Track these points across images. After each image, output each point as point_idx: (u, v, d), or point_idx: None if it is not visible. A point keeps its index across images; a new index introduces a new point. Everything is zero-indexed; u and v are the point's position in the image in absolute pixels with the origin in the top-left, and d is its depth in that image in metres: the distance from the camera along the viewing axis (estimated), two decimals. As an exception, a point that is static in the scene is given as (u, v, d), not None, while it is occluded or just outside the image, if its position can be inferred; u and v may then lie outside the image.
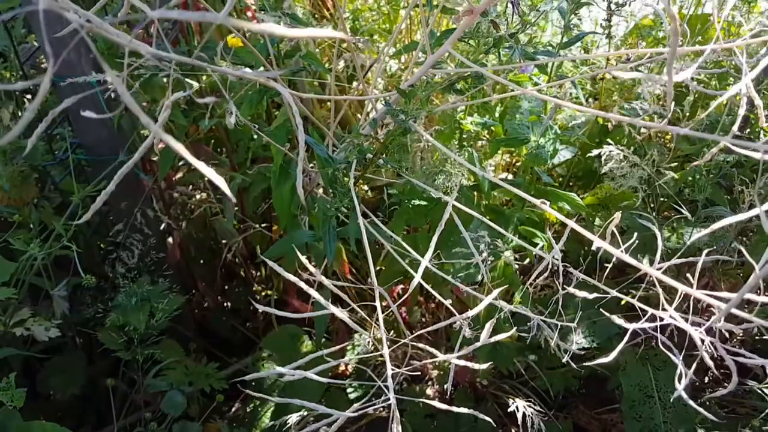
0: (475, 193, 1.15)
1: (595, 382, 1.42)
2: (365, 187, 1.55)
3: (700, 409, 0.52)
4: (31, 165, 1.10)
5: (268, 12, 0.86)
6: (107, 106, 1.04)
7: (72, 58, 0.98)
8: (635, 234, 0.66)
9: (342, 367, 1.46)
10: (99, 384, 1.18)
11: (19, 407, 0.84)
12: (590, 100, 1.52)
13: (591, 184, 1.42)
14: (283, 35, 0.29)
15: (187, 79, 1.11)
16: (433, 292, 0.78)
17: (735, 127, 0.43)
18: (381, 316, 0.54)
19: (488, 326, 0.56)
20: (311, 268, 0.61)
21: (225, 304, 1.54)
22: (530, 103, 1.09)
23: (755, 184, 1.21)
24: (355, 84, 1.42)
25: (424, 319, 1.52)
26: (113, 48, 0.97)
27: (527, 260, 1.37)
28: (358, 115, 1.49)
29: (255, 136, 1.24)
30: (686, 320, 0.50)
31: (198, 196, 1.34)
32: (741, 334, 1.43)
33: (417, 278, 0.61)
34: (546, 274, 0.72)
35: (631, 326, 0.53)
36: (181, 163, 1.33)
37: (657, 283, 0.47)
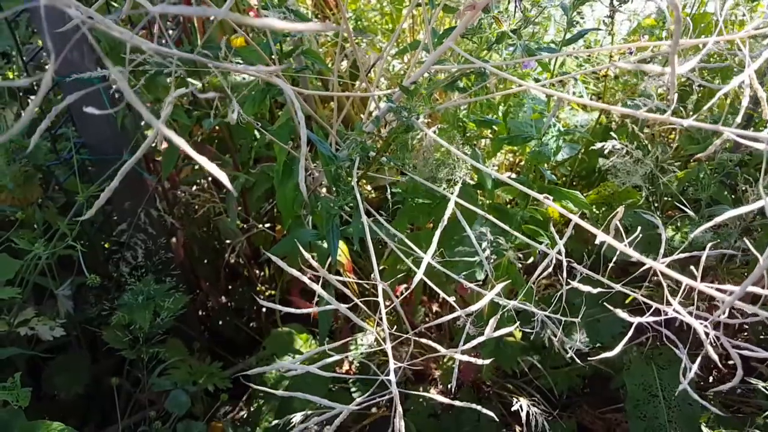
0: (478, 191, 1.15)
1: (599, 382, 1.41)
2: (368, 187, 1.56)
3: (707, 404, 0.52)
4: (35, 165, 1.11)
5: (271, 9, 0.86)
6: (111, 105, 1.05)
7: (75, 58, 0.98)
8: (644, 231, 0.66)
9: (345, 367, 1.46)
10: (103, 383, 1.18)
11: (24, 406, 0.84)
12: (593, 99, 1.52)
13: (594, 183, 1.42)
14: (283, 29, 0.29)
15: (190, 79, 1.12)
16: (437, 290, 0.78)
17: (739, 119, 0.43)
18: (384, 311, 0.54)
19: (492, 322, 0.56)
20: (315, 264, 0.61)
21: (229, 303, 1.54)
22: (533, 101, 1.09)
23: (759, 182, 1.21)
24: (357, 83, 1.42)
25: (427, 319, 1.52)
26: (117, 47, 0.97)
27: (530, 259, 1.36)
28: (361, 115, 1.49)
29: (258, 136, 1.24)
30: (691, 314, 0.50)
31: (201, 196, 1.34)
32: (746, 333, 1.42)
33: (419, 274, 0.61)
34: (549, 271, 0.72)
35: (636, 320, 0.53)
36: (184, 163, 1.33)
37: (661, 277, 0.47)
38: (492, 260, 1.01)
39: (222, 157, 1.31)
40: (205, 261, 1.48)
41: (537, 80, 0.86)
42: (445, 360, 1.43)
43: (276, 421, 1.10)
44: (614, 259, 0.87)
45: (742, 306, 0.45)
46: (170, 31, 1.23)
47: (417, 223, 1.19)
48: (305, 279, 0.64)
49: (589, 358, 1.03)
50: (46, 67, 1.28)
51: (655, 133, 1.44)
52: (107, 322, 1.13)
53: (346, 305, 0.65)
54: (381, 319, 0.54)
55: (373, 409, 1.36)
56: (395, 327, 1.33)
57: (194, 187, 1.39)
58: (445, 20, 1.47)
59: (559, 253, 0.58)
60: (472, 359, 0.54)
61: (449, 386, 1.46)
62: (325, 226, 0.95)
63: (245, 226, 1.40)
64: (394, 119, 0.91)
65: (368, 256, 1.30)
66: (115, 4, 1.10)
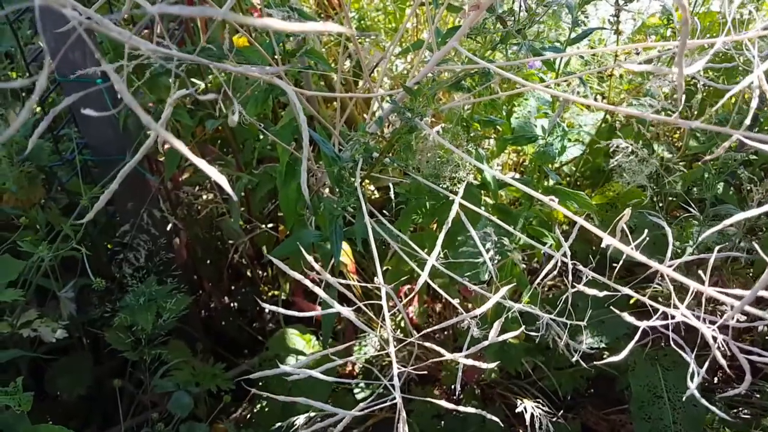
0: (482, 192, 1.14)
1: (604, 383, 1.41)
2: (371, 188, 1.55)
3: (714, 409, 0.51)
4: (38, 166, 1.10)
5: (274, 8, 0.86)
6: (113, 105, 1.04)
7: (77, 58, 0.98)
8: (645, 232, 0.65)
9: (349, 368, 1.45)
10: (106, 384, 1.18)
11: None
12: (598, 99, 1.51)
13: (599, 184, 1.41)
14: (285, 29, 0.29)
15: (193, 79, 1.11)
16: (441, 292, 0.78)
17: (747, 120, 0.42)
18: (387, 314, 0.54)
19: (497, 325, 0.55)
20: (318, 268, 0.60)
21: (231, 304, 1.54)
22: (537, 100, 1.08)
23: (764, 182, 1.20)
24: (360, 84, 1.42)
25: (430, 320, 1.51)
26: (119, 47, 0.97)
27: (535, 260, 1.36)
28: (364, 116, 1.48)
29: (261, 136, 1.24)
30: (698, 318, 0.49)
31: (204, 197, 1.34)
32: (752, 335, 1.41)
33: (423, 276, 0.61)
34: (554, 273, 0.71)
35: (642, 324, 0.52)
36: (187, 164, 1.33)
37: (668, 281, 0.47)
38: (496, 261, 1.01)
39: (225, 157, 1.30)
40: (208, 262, 1.48)
41: (542, 80, 0.86)
42: (449, 361, 1.42)
43: (279, 423, 1.09)
44: (615, 259, 0.86)
45: (749, 309, 0.44)
46: (174, 31, 1.23)
47: (420, 224, 1.19)
48: (308, 282, 0.64)
49: (594, 362, 1.02)
50: (51, 63, 1.28)
51: (659, 132, 1.43)
52: (110, 324, 1.12)
53: (349, 308, 0.64)
54: (384, 321, 0.53)
55: (377, 411, 1.35)
56: (399, 329, 1.33)
57: (197, 188, 1.39)
58: (449, 19, 1.47)
59: (564, 255, 0.57)
60: (477, 363, 0.54)
61: (453, 387, 1.45)
62: (328, 227, 0.94)
63: (248, 226, 1.40)
64: (398, 119, 0.91)
65: (371, 257, 1.30)
66: (118, 4, 1.09)
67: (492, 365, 0.56)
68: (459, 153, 0.78)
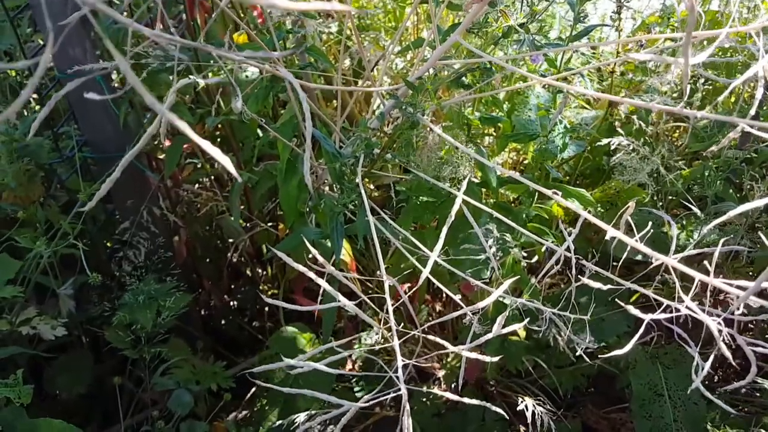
0: (483, 190, 1.14)
1: (604, 381, 1.41)
2: (371, 185, 1.55)
3: (719, 402, 0.51)
4: (37, 163, 1.10)
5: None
6: (112, 100, 1.04)
7: (77, 54, 0.97)
8: (647, 226, 0.65)
9: (349, 366, 1.45)
10: (106, 382, 1.18)
11: (26, 405, 0.84)
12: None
13: (599, 182, 1.41)
14: (285, 8, 0.29)
15: (192, 75, 1.11)
16: (443, 288, 0.77)
17: (753, 110, 0.42)
18: (390, 307, 0.54)
19: (499, 320, 0.55)
20: (321, 259, 0.60)
21: (231, 302, 1.54)
22: (538, 98, 1.08)
23: (765, 179, 1.20)
24: (361, 82, 1.42)
25: (431, 318, 1.51)
26: (120, 43, 0.96)
27: (535, 258, 1.36)
28: (364, 114, 1.48)
29: (261, 134, 1.23)
30: (703, 311, 0.49)
31: (204, 194, 1.33)
32: (751, 331, 1.41)
33: (425, 273, 0.60)
34: (555, 270, 0.71)
35: (647, 317, 0.52)
36: (187, 162, 1.33)
37: (673, 273, 0.47)
38: (498, 258, 1.01)
39: (224, 154, 1.30)
40: (208, 260, 1.48)
41: (543, 76, 0.85)
42: (449, 359, 1.42)
43: (280, 421, 1.09)
44: (619, 258, 0.86)
45: (755, 300, 0.44)
46: (173, 28, 1.23)
47: (421, 221, 1.19)
48: (311, 274, 0.64)
49: (596, 359, 1.02)
50: (49, 64, 1.28)
51: (660, 131, 1.43)
52: (109, 322, 1.12)
53: (351, 302, 0.64)
54: (388, 315, 0.53)
55: (377, 409, 1.35)
56: (400, 326, 1.33)
57: (197, 186, 1.39)
58: (449, 17, 1.47)
59: (567, 250, 0.57)
60: (479, 356, 0.53)
61: (453, 385, 1.45)
62: (329, 225, 0.94)
63: (248, 224, 1.40)
64: (399, 116, 0.91)
65: (371, 255, 1.29)
66: (116, 1, 1.09)
67: (495, 358, 0.55)
68: (459, 146, 0.78)
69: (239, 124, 1.26)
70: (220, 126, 1.29)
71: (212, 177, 1.39)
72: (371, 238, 0.83)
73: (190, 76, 1.09)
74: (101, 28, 0.93)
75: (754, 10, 1.48)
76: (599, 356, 1.17)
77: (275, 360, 1.29)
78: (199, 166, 1.35)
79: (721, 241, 0.48)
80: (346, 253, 1.26)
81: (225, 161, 0.28)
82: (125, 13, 1.07)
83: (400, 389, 0.49)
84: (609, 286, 0.58)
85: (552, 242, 1.09)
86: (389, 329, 0.50)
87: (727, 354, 0.46)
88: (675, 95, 1.29)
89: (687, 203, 1.23)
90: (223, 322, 1.50)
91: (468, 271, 1.08)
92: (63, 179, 1.14)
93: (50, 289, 1.12)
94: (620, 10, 1.02)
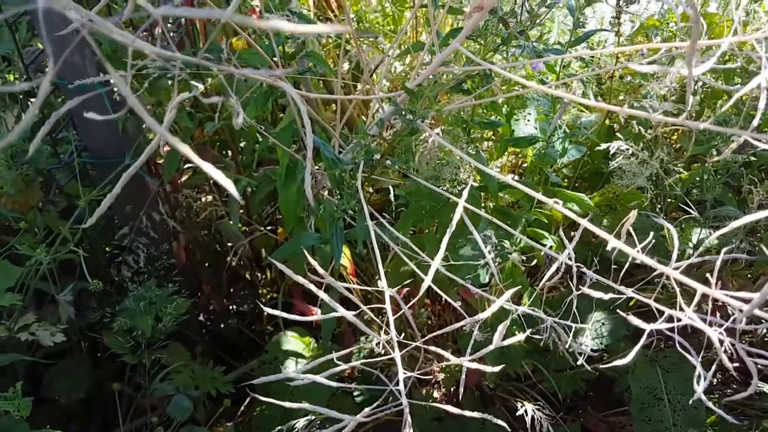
0: (482, 194, 1.14)
1: (604, 385, 1.41)
2: (370, 189, 1.55)
3: (720, 412, 0.51)
4: (36, 169, 1.10)
5: (274, 12, 0.85)
6: (113, 109, 1.04)
7: (77, 62, 0.97)
8: (650, 235, 0.65)
9: (348, 370, 1.45)
10: (105, 388, 1.18)
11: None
12: (597, 100, 1.51)
13: (598, 185, 1.41)
14: (289, 31, 0.28)
15: (192, 82, 1.11)
16: (442, 294, 0.77)
17: (755, 121, 0.42)
18: (392, 319, 0.54)
19: (500, 329, 0.55)
20: (320, 270, 0.60)
21: (230, 307, 1.53)
22: (537, 103, 1.08)
23: (764, 183, 1.20)
24: (359, 86, 1.42)
25: (430, 321, 1.51)
26: (118, 51, 0.96)
27: (534, 262, 1.36)
28: (363, 118, 1.48)
29: (260, 139, 1.23)
30: (704, 321, 0.49)
31: (203, 199, 1.33)
32: (751, 336, 1.41)
33: (427, 281, 0.60)
34: (557, 276, 0.71)
35: (649, 327, 0.52)
36: (186, 166, 1.32)
37: (675, 284, 0.47)
38: (497, 263, 1.01)
39: (224, 160, 1.30)
40: (207, 264, 1.47)
41: (543, 82, 0.85)
42: (449, 363, 1.42)
43: (279, 427, 1.09)
44: (617, 261, 0.86)
45: (758, 313, 0.44)
46: (171, 33, 1.22)
47: (420, 226, 1.19)
48: (309, 285, 0.64)
49: (595, 364, 1.02)
50: (47, 70, 1.27)
51: (658, 134, 1.44)
52: (109, 327, 1.12)
53: (351, 311, 0.64)
54: (388, 325, 0.53)
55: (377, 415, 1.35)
56: (399, 330, 1.32)
57: (196, 190, 1.39)
58: (448, 20, 1.47)
59: (568, 257, 0.57)
60: (481, 366, 0.53)
61: (452, 389, 1.45)
62: (328, 230, 0.94)
63: (247, 229, 1.39)
64: (398, 121, 0.91)
65: (371, 259, 1.29)
66: (116, 6, 1.09)
67: (496, 369, 0.55)
68: (460, 153, 0.78)
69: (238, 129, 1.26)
70: (219, 130, 1.29)
71: (212, 181, 1.38)
72: (371, 243, 0.83)
73: (191, 82, 1.09)
74: (101, 39, 0.93)
75: (753, 13, 1.49)
76: (599, 361, 1.17)
77: (274, 365, 1.29)
78: (198, 170, 1.35)
79: (723, 250, 0.48)
80: (345, 257, 1.26)
81: (228, 185, 0.28)
82: (123, 17, 1.07)
83: (400, 401, 0.49)
84: (611, 296, 0.58)
85: (551, 247, 1.09)
86: (389, 341, 0.50)
87: (729, 365, 0.46)
88: (674, 98, 1.29)
89: (686, 207, 1.23)
90: (222, 326, 1.50)
91: (467, 276, 1.08)
92: (62, 185, 1.14)
93: (49, 295, 1.11)
94: (619, 15, 1.02)
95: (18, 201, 1.10)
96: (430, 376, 1.45)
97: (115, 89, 0.95)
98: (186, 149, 0.30)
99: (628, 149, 0.99)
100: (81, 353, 1.22)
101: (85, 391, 1.15)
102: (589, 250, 1.32)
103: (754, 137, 0.37)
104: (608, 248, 0.47)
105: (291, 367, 1.26)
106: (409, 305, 0.61)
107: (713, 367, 0.49)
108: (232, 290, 1.54)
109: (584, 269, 0.59)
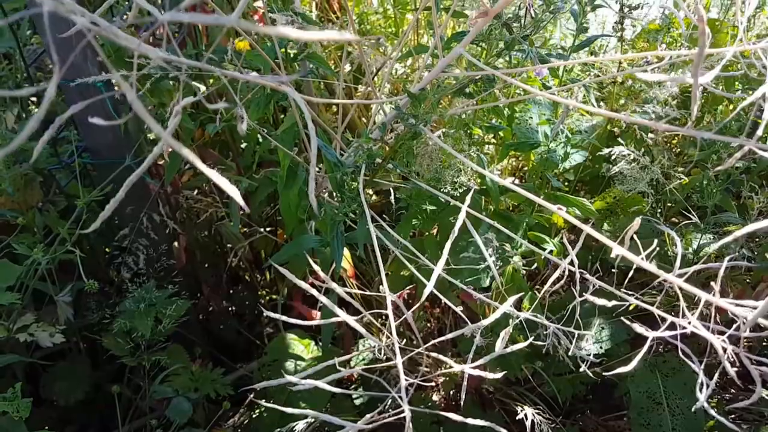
0: (483, 197, 1.14)
1: (603, 388, 1.40)
2: (370, 191, 1.55)
3: (719, 417, 0.51)
4: (36, 168, 1.09)
5: (277, 12, 0.85)
6: (114, 109, 1.04)
7: (79, 61, 0.97)
8: (652, 240, 0.65)
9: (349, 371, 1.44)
10: (103, 390, 1.17)
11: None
12: (601, 105, 1.51)
13: (598, 189, 1.41)
14: (293, 37, 0.28)
15: (194, 82, 1.11)
16: (442, 297, 0.77)
17: (760, 131, 0.42)
18: (393, 325, 0.53)
19: (502, 335, 0.55)
20: (321, 274, 0.60)
21: (230, 308, 1.53)
22: (539, 107, 1.08)
23: (764, 190, 1.20)
24: (361, 87, 1.41)
25: (429, 324, 1.51)
26: (121, 51, 0.96)
27: (534, 266, 1.35)
28: (364, 119, 1.48)
29: (261, 140, 1.23)
30: (706, 328, 0.49)
31: (204, 200, 1.33)
32: (751, 341, 1.41)
33: (429, 287, 0.60)
34: (560, 282, 0.71)
35: (652, 334, 0.52)
36: (187, 167, 1.32)
37: (678, 291, 0.46)
38: (498, 267, 1.00)
39: (225, 161, 1.30)
40: (206, 265, 1.47)
41: (546, 87, 0.85)
42: (449, 367, 1.41)
43: (278, 429, 1.08)
44: (620, 265, 0.86)
45: (762, 322, 0.44)
46: (174, 34, 1.22)
47: (421, 229, 1.19)
48: (310, 288, 0.64)
49: (595, 368, 1.02)
50: (48, 67, 1.27)
51: (659, 139, 1.44)
52: (108, 329, 1.11)
53: (350, 313, 0.64)
54: (389, 330, 0.53)
55: (376, 415, 1.34)
56: (402, 337, 1.32)
57: (196, 192, 1.38)
58: (450, 22, 1.46)
59: (571, 263, 0.57)
60: (482, 373, 0.53)
61: (452, 392, 1.45)
62: (329, 233, 0.94)
63: (248, 230, 1.39)
64: (400, 124, 0.90)
65: (371, 262, 1.29)
66: (119, 5, 1.09)
67: (497, 375, 0.55)
68: (461, 158, 0.77)
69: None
70: (220, 131, 1.28)
71: (212, 182, 1.38)
72: (371, 246, 0.83)
73: (193, 83, 1.09)
74: (103, 40, 0.92)
75: (754, 18, 1.49)
76: (599, 365, 1.17)
77: (274, 367, 1.28)
78: (199, 172, 1.35)
79: (726, 259, 0.48)
80: (345, 260, 1.26)
81: (231, 189, 0.27)
82: (126, 16, 1.07)
83: (401, 407, 0.48)
84: (614, 303, 0.58)
85: (552, 251, 1.09)
86: (390, 345, 0.50)
87: (732, 373, 0.46)
88: (675, 102, 1.29)
89: (686, 212, 1.23)
90: (221, 327, 1.50)
91: (467, 280, 1.08)
92: (62, 185, 1.14)
93: (48, 296, 1.11)
94: (623, 20, 1.02)
95: (17, 201, 1.09)
96: (429, 379, 1.44)
97: (117, 89, 0.95)
98: (189, 154, 0.29)
99: (629, 154, 0.99)
100: (80, 354, 1.22)
101: (84, 392, 1.15)
102: (590, 254, 1.32)
103: (758, 147, 0.37)
104: (612, 255, 0.46)
105: (291, 369, 1.26)
106: (410, 310, 0.61)
107: (716, 376, 0.49)
108: (231, 292, 1.53)
109: (587, 275, 0.59)
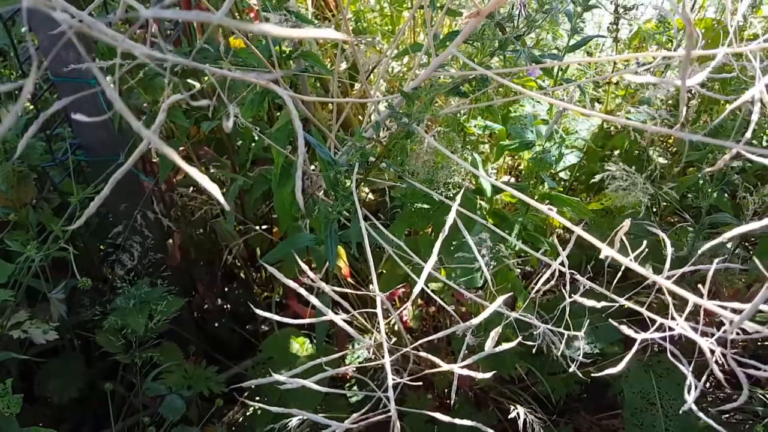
0: (477, 197, 1.14)
1: (597, 388, 1.41)
2: (366, 190, 1.54)
3: (710, 421, 0.51)
4: (30, 165, 1.09)
5: (271, 11, 0.85)
6: (107, 106, 1.03)
7: (71, 58, 0.97)
8: (645, 240, 0.65)
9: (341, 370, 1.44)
10: (97, 387, 1.17)
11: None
12: (596, 105, 1.51)
13: (594, 188, 1.41)
14: (282, 36, 0.28)
15: (188, 80, 1.10)
16: (436, 298, 0.77)
17: (748, 134, 0.42)
18: (383, 323, 0.53)
19: (493, 334, 0.55)
20: (311, 274, 0.60)
21: (225, 306, 1.53)
22: (533, 107, 1.08)
23: (758, 189, 1.21)
24: (357, 86, 1.41)
25: (424, 323, 1.51)
26: (115, 48, 0.95)
27: (528, 264, 1.36)
28: (360, 117, 1.48)
29: (256, 138, 1.23)
30: (695, 330, 0.49)
31: (198, 198, 1.33)
32: (744, 342, 1.42)
33: (420, 284, 0.60)
34: (551, 282, 0.71)
35: (640, 336, 0.52)
36: (181, 164, 1.32)
37: (667, 294, 0.46)
38: (491, 267, 1.00)
39: (220, 158, 1.30)
40: (201, 263, 1.47)
41: (541, 87, 0.85)
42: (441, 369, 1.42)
43: (272, 425, 1.08)
44: (612, 264, 0.86)
45: (749, 325, 0.44)
46: (169, 31, 1.22)
47: (416, 228, 1.19)
48: (300, 289, 0.63)
49: (589, 368, 1.02)
50: (43, 63, 1.26)
51: (654, 138, 1.44)
52: (101, 326, 1.11)
53: (345, 312, 0.64)
54: (379, 332, 0.53)
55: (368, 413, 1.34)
56: (392, 331, 1.32)
57: (191, 189, 1.38)
58: (446, 22, 1.46)
59: (562, 264, 0.57)
60: (473, 373, 0.53)
61: (446, 391, 1.45)
62: (323, 231, 0.94)
63: (242, 228, 1.39)
64: (394, 123, 0.90)
65: (366, 261, 1.29)
66: (113, 4, 1.08)
67: (487, 375, 0.55)
68: (454, 158, 0.77)
69: (235, 127, 1.26)
70: (215, 129, 1.28)
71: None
72: (365, 246, 0.83)
73: (188, 80, 1.09)
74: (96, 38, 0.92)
75: (748, 19, 1.49)
76: (592, 365, 1.17)
77: (268, 364, 1.28)
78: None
79: (716, 261, 0.48)
80: (339, 258, 1.26)
81: (214, 190, 0.27)
82: (116, 18, 1.06)
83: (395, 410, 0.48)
84: (603, 303, 0.58)
85: (546, 251, 1.09)
86: (380, 346, 0.50)
87: (719, 375, 0.46)
88: (671, 103, 1.29)
89: (681, 212, 1.23)
90: (216, 325, 1.50)
91: (461, 279, 1.08)
92: (56, 182, 1.13)
93: (41, 293, 1.11)
94: (618, 21, 1.02)
95: (11, 198, 1.09)
96: (421, 383, 1.45)
97: (108, 79, 0.94)
98: (173, 154, 0.29)
99: (621, 173, 0.99)
100: (73, 352, 1.22)
101: (78, 390, 1.15)
102: (583, 253, 1.32)
103: (747, 150, 0.37)
104: (601, 256, 0.47)
105: (285, 368, 1.26)
106: (401, 309, 0.61)
107: (704, 378, 0.49)
108: (226, 289, 1.53)
109: (578, 276, 0.59)
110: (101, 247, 1.25)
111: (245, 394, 1.32)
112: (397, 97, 0.79)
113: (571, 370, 0.71)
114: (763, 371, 0.44)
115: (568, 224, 0.54)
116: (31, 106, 1.16)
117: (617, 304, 0.55)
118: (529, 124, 1.08)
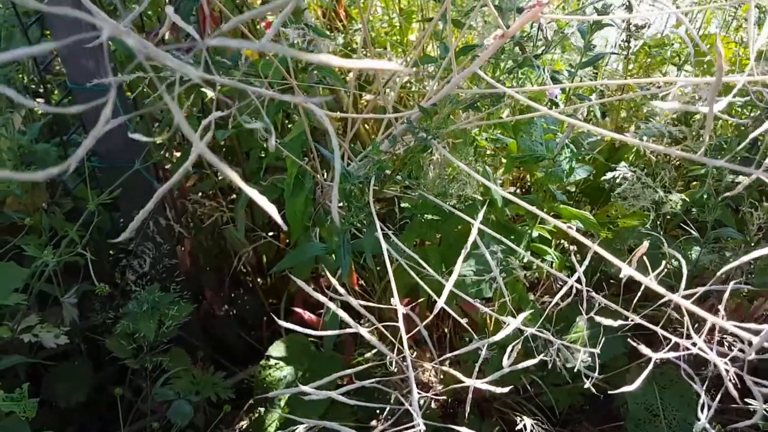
0: (487, 208, 1.15)
1: (600, 399, 1.42)
2: (375, 198, 1.55)
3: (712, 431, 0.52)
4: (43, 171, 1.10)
5: (289, 25, 0.86)
6: (124, 112, 1.04)
7: (90, 66, 0.98)
8: (655, 255, 0.66)
9: (348, 378, 1.45)
10: (105, 391, 1.18)
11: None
12: (603, 119, 1.53)
13: (600, 200, 1.42)
14: (340, 65, 0.29)
15: (203, 89, 1.12)
16: (448, 309, 0.78)
17: (767, 161, 0.43)
18: (405, 338, 0.54)
19: (509, 350, 0.56)
20: (333, 281, 0.61)
21: (231, 312, 1.54)
22: (544, 120, 1.09)
23: (763, 204, 1.22)
24: (367, 96, 1.43)
25: (431, 334, 1.51)
26: (133, 56, 0.97)
27: (535, 275, 1.36)
28: (366, 126, 1.49)
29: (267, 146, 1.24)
30: (710, 348, 0.50)
31: (209, 205, 1.34)
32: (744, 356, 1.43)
33: (440, 303, 0.61)
34: (560, 293, 0.72)
35: (655, 356, 0.53)
36: (193, 171, 1.33)
37: (685, 312, 0.48)
38: (502, 278, 1.01)
39: (230, 166, 1.31)
40: (209, 269, 1.48)
41: (555, 104, 0.87)
42: (447, 373, 1.42)
43: (279, 433, 1.09)
44: (614, 275, 0.87)
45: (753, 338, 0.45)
46: (183, 38, 1.23)
47: (425, 238, 1.20)
48: (316, 294, 0.64)
49: (594, 380, 1.03)
50: (56, 69, 1.27)
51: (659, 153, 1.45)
52: (111, 330, 1.12)
53: (361, 324, 0.65)
54: (401, 343, 0.54)
55: (374, 422, 1.35)
56: (414, 353, 1.33)
57: (200, 195, 1.39)
58: (455, 32, 1.48)
59: (578, 281, 0.58)
60: (492, 388, 0.54)
61: (449, 399, 1.46)
62: (335, 241, 0.95)
63: (252, 235, 1.40)
64: (409, 137, 0.92)
65: (372, 269, 1.30)
66: (150, 21, 1.10)
67: (504, 390, 0.56)
68: (468, 170, 0.79)
69: (246, 135, 1.27)
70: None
71: (218, 188, 1.39)
72: (375, 257, 0.84)
73: (201, 89, 1.10)
74: (116, 45, 0.93)
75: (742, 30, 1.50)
76: (597, 377, 1.18)
77: (275, 370, 1.29)
78: (204, 176, 1.36)
79: (731, 283, 0.49)
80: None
81: (272, 211, 0.28)
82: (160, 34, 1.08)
83: (397, 415, 0.49)
84: (620, 322, 0.60)
85: (553, 263, 1.11)
86: (404, 358, 0.51)
87: (734, 393, 0.47)
88: (674, 116, 1.31)
89: (686, 225, 1.24)
90: (223, 331, 1.50)
91: (470, 290, 1.09)
92: (70, 187, 1.14)
93: (52, 297, 1.12)
94: (629, 39, 1.04)
95: (24, 202, 1.10)
96: (427, 385, 1.45)
97: (125, 87, 0.95)
98: (234, 176, 0.30)
99: (632, 175, 1.01)
100: (82, 356, 1.22)
101: (85, 394, 1.16)
102: (590, 264, 1.33)
103: (766, 176, 0.38)
104: (621, 276, 0.48)
105: (291, 374, 1.27)
106: (424, 323, 0.62)
107: (718, 397, 0.50)
108: (233, 296, 1.54)
109: (593, 293, 0.60)
110: (111, 252, 1.26)
111: (252, 401, 1.33)
112: (415, 112, 0.80)
113: (581, 384, 0.72)
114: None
115: (586, 241, 0.55)
116: (40, 112, 1.17)
117: (633, 323, 0.57)
118: (538, 137, 1.09)
